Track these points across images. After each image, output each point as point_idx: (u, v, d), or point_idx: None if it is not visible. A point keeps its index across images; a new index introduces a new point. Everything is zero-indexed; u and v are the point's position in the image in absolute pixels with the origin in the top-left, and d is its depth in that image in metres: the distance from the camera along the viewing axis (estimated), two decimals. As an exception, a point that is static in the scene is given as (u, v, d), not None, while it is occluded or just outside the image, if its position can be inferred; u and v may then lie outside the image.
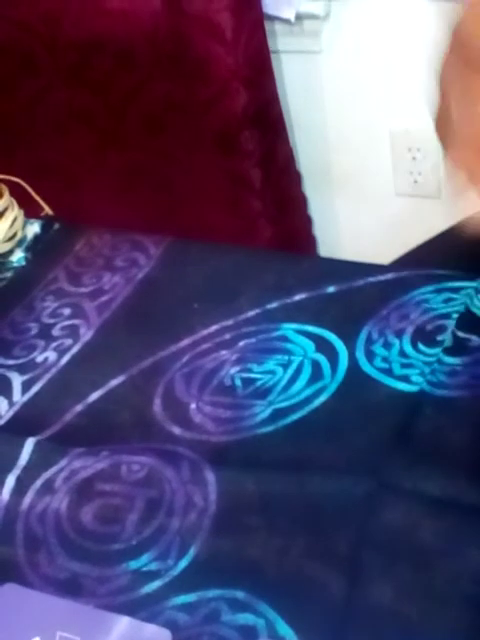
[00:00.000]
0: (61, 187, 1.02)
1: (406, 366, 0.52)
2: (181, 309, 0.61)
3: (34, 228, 0.72)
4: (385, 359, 0.52)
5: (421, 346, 0.53)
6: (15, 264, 0.69)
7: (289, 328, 0.57)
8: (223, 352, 0.56)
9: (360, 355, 0.53)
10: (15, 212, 0.70)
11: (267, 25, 1.06)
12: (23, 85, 1.12)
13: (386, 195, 1.22)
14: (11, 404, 0.56)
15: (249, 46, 1.02)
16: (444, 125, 0.42)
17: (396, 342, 0.53)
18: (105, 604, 0.43)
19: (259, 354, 0.55)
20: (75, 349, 0.59)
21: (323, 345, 0.55)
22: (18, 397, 0.56)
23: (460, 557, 0.41)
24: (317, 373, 0.53)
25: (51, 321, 0.62)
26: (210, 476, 0.48)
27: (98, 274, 0.66)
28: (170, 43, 1.02)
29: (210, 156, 1.09)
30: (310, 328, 0.56)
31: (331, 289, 0.59)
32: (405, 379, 0.51)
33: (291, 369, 0.54)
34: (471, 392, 0.49)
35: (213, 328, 0.58)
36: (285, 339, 0.56)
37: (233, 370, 0.55)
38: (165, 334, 0.58)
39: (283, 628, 0.40)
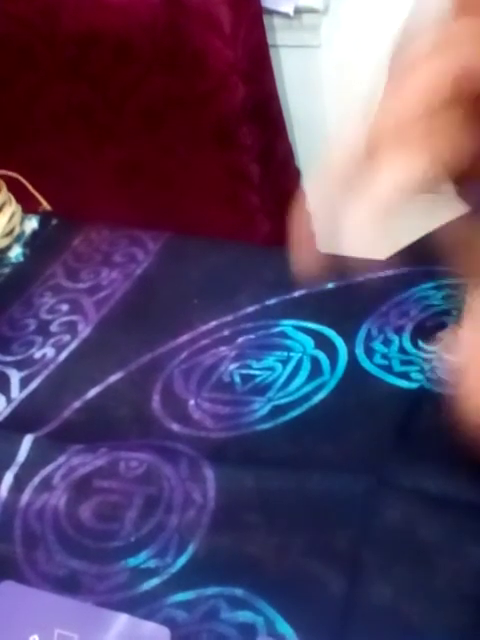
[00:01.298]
0: (59, 182, 1.02)
1: (406, 363, 0.51)
2: (180, 305, 0.60)
3: (32, 223, 0.71)
4: (385, 356, 0.52)
5: (421, 343, 0.53)
6: (13, 260, 0.69)
7: (288, 324, 0.56)
8: (222, 348, 0.56)
9: (359, 352, 0.53)
10: (13, 207, 0.70)
11: (266, 19, 1.05)
12: (21, 79, 1.11)
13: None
14: (9, 400, 0.56)
15: (248, 40, 1.02)
16: None
17: (396, 339, 0.53)
18: (103, 601, 0.43)
19: (258, 350, 0.55)
20: (73, 345, 0.59)
21: (322, 342, 0.54)
22: (16, 393, 0.56)
23: (460, 555, 0.41)
24: (316, 370, 0.53)
25: (49, 317, 0.62)
26: (209, 473, 0.48)
27: (96, 270, 0.66)
28: (168, 37, 1.01)
29: (208, 151, 1.09)
30: (309, 324, 0.56)
31: (330, 285, 0.58)
32: (405, 376, 0.51)
33: (290, 366, 0.53)
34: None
35: (212, 324, 0.58)
36: (284, 335, 0.56)
37: (232, 366, 0.54)
38: (163, 330, 0.58)
39: (282, 626, 0.40)
